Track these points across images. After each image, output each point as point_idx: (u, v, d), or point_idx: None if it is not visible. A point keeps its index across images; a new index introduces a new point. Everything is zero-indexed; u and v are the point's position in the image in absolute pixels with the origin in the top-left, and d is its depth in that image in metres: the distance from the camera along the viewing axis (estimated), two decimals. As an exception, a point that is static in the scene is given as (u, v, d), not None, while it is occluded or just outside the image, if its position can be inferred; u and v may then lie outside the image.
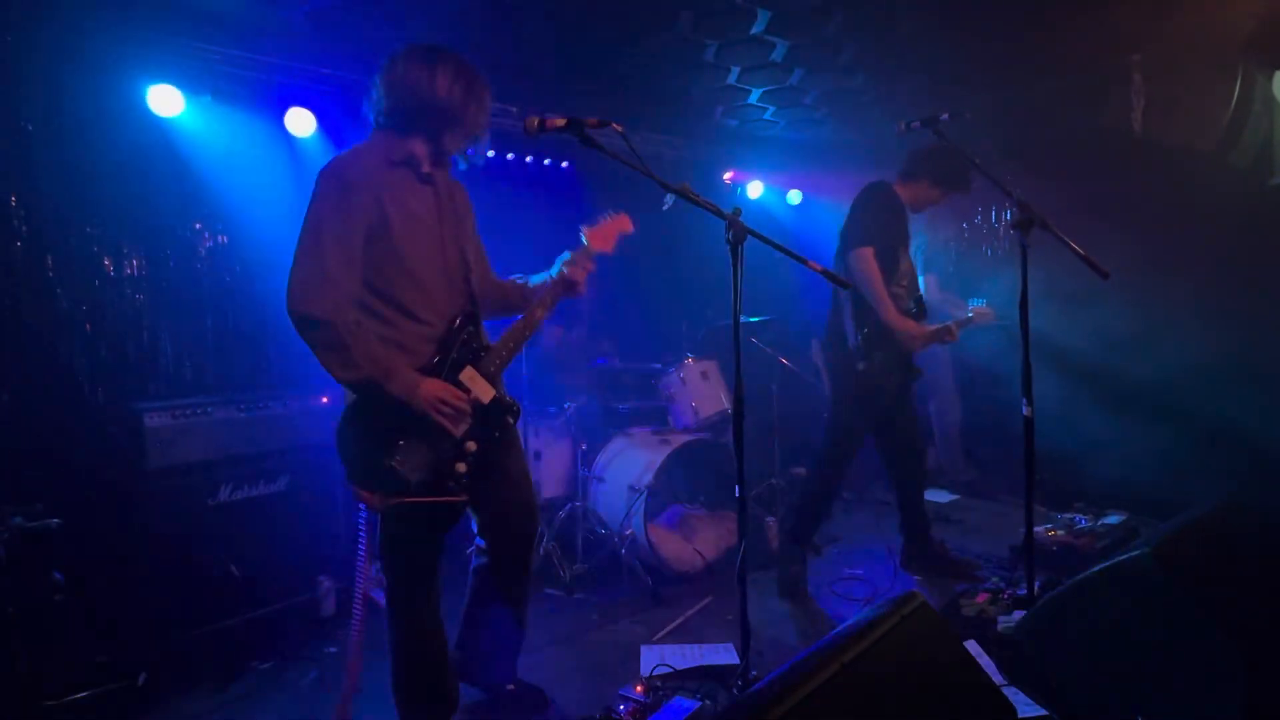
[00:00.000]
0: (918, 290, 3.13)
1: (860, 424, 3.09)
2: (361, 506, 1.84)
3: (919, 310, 3.06)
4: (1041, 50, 3.58)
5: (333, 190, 1.79)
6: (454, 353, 1.91)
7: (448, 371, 1.89)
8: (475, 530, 2.15)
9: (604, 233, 2.10)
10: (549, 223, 4.08)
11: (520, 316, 2.03)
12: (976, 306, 3.15)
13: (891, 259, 2.96)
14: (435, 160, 1.94)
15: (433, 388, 1.81)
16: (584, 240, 2.08)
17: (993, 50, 3.58)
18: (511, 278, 2.19)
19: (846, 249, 2.97)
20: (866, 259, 2.88)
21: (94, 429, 2.74)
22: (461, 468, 1.86)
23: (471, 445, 1.89)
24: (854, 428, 3.09)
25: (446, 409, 1.81)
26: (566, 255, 2.07)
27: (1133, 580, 1.90)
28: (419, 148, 1.89)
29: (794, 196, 5.42)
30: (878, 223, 2.97)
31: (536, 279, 2.14)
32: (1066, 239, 2.41)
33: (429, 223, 1.91)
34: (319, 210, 1.78)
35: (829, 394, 3.20)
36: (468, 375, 1.91)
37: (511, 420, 1.99)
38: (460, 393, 1.86)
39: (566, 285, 2.05)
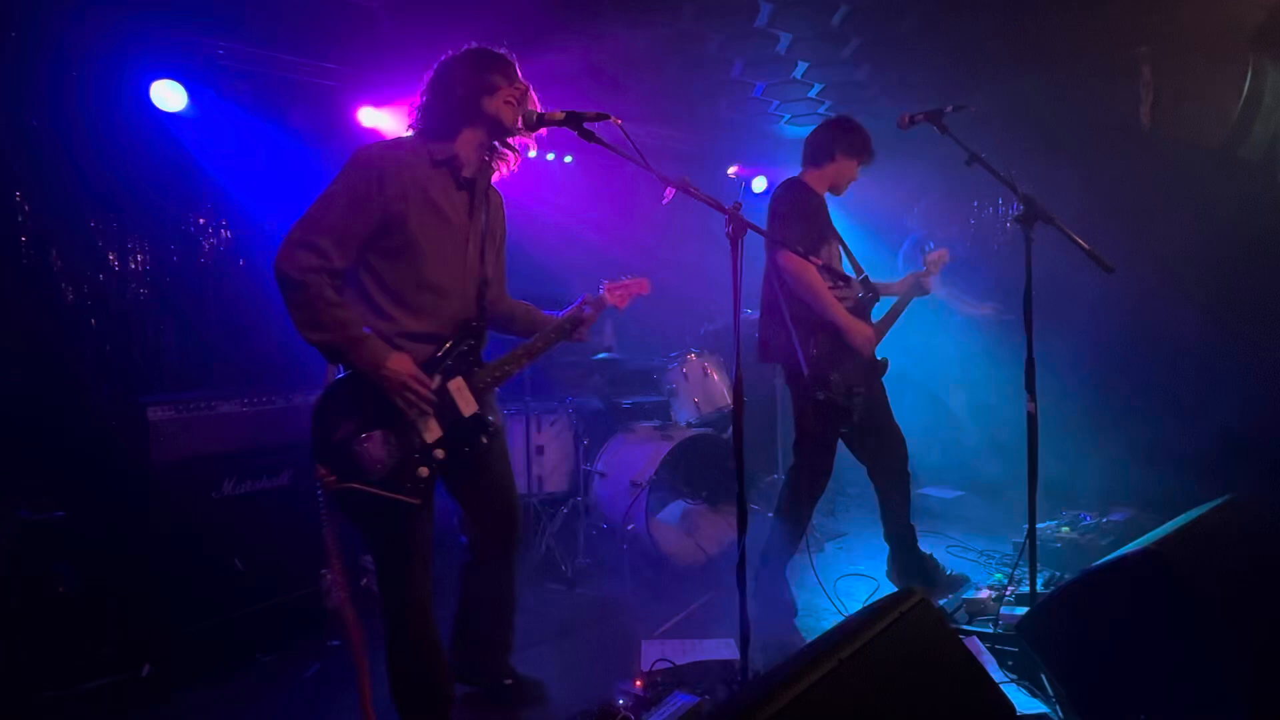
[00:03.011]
0: (855, 280, 2.89)
1: (826, 452, 2.84)
2: (319, 490, 1.84)
3: (868, 299, 2.88)
4: (1048, 43, 3.55)
5: (359, 172, 1.81)
6: (450, 360, 1.92)
7: (440, 376, 1.89)
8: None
9: (622, 290, 2.24)
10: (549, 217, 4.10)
11: (521, 343, 2.09)
12: (930, 253, 3.10)
13: (816, 257, 2.66)
14: (480, 166, 1.96)
15: (402, 364, 1.79)
16: (602, 292, 2.21)
17: (999, 43, 3.55)
18: (519, 301, 2.23)
19: (772, 255, 2.71)
20: (798, 261, 2.61)
21: (98, 423, 2.76)
22: (424, 472, 1.85)
23: (440, 453, 1.88)
24: (819, 460, 2.83)
25: (410, 394, 1.80)
26: (582, 299, 2.18)
27: (1136, 578, 1.89)
28: (464, 150, 1.92)
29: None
30: (799, 222, 2.72)
31: (546, 312, 2.23)
32: (1071, 233, 2.39)
33: (456, 226, 1.93)
34: (338, 185, 1.81)
35: (794, 413, 2.88)
36: (456, 385, 1.91)
37: (485, 440, 1.97)
38: (427, 380, 1.84)
39: (571, 328, 2.13)
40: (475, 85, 1.89)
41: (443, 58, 1.96)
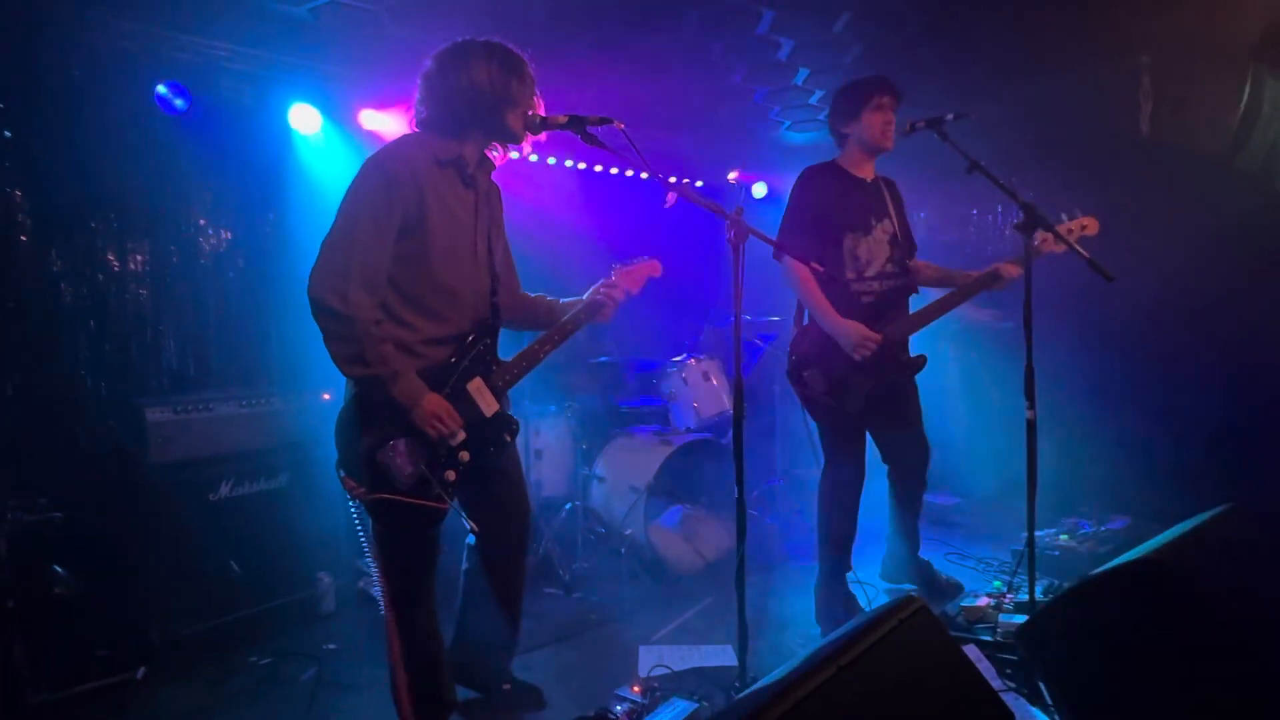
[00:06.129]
0: (896, 271, 2.73)
1: (843, 450, 2.76)
2: (349, 501, 1.85)
3: (901, 286, 2.73)
4: (1049, 51, 3.56)
5: (376, 180, 1.77)
6: (466, 361, 1.91)
7: (457, 378, 1.88)
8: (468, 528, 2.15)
9: (634, 273, 2.17)
10: (551, 222, 4.09)
11: (538, 336, 2.05)
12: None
13: (835, 248, 2.64)
14: (481, 161, 1.95)
15: (434, 404, 1.79)
16: (613, 276, 2.14)
17: (999, 51, 3.56)
18: (538, 295, 2.20)
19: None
20: (792, 263, 2.57)
21: (96, 424, 2.76)
22: (451, 476, 1.85)
23: (465, 455, 1.87)
24: (840, 458, 2.76)
25: (441, 426, 1.80)
26: (598, 284, 2.12)
27: (1136, 586, 1.89)
28: (469, 149, 1.90)
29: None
30: (806, 216, 2.64)
31: (565, 300, 2.18)
32: (1071, 242, 2.40)
33: (466, 227, 1.92)
34: (357, 198, 1.76)
35: None
36: (475, 386, 1.91)
37: (509, 438, 1.98)
38: (458, 416, 1.84)
39: (591, 313, 2.09)
40: (501, 94, 1.84)
41: (454, 49, 1.86)
